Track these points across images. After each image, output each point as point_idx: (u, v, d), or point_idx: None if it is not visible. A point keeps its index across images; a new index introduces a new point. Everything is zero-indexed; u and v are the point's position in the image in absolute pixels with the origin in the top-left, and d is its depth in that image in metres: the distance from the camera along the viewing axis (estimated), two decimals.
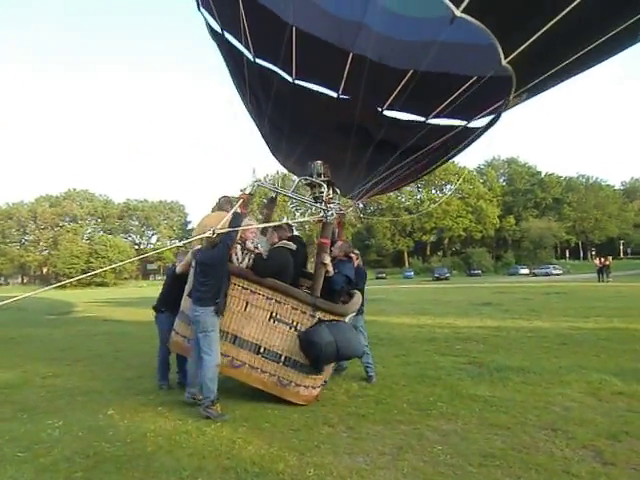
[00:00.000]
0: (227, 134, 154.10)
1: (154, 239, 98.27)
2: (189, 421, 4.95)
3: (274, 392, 5.45)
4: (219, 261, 5.26)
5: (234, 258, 5.58)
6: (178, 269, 6.23)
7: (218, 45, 7.11)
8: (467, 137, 6.61)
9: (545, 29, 4.54)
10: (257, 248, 5.72)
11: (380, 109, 6.21)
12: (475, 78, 5.19)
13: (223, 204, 6.11)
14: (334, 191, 6.19)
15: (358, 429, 4.62)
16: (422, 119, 6.27)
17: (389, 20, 4.95)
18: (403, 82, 5.45)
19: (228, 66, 7.32)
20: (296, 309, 5.48)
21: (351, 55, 5.45)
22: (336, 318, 5.49)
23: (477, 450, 4.04)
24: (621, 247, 78.88)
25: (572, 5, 4.32)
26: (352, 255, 6.64)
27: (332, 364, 5.90)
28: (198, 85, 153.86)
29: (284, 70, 6.28)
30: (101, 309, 20.93)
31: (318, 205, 6.02)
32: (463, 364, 7.35)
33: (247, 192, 5.87)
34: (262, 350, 5.49)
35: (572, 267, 64.04)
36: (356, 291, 6.36)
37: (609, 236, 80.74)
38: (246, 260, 5.63)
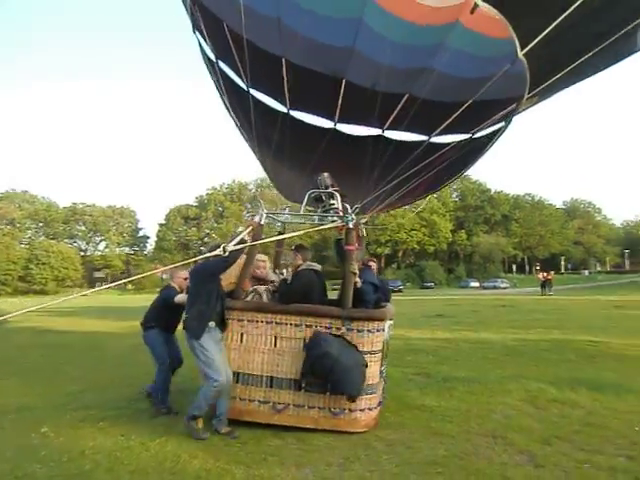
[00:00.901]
0: (181, 139, 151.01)
1: (102, 246, 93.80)
2: (132, 436, 4.76)
3: (328, 426, 4.90)
4: (210, 271, 4.95)
5: (250, 296, 5.35)
6: (178, 299, 5.72)
7: (211, 71, 6.94)
8: (476, 147, 6.55)
9: (558, 22, 4.56)
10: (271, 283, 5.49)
11: (381, 130, 6.21)
12: (489, 77, 5.11)
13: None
14: (345, 202, 5.84)
15: (307, 440, 4.62)
16: (425, 137, 6.23)
17: (384, 46, 4.97)
18: (401, 104, 5.47)
19: (224, 93, 7.11)
20: (330, 328, 4.98)
21: (344, 82, 5.44)
22: (375, 325, 5.02)
23: (422, 458, 4.14)
24: (562, 262, 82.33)
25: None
26: (371, 263, 6.36)
27: (382, 381, 5.37)
28: (153, 86, 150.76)
29: (278, 101, 6.24)
30: (41, 319, 19.99)
31: (333, 214, 5.69)
32: (412, 375, 7.48)
33: (256, 220, 5.43)
34: (304, 384, 4.97)
35: (518, 281, 66.22)
36: (387, 303, 5.91)
37: (552, 252, 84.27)
38: (249, 297, 5.38)
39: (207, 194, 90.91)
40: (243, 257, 5.19)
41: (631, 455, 4.09)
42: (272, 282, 5.66)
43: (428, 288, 64.29)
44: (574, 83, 6.05)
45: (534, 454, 4.17)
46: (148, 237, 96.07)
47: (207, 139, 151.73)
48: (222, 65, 6.48)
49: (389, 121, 5.94)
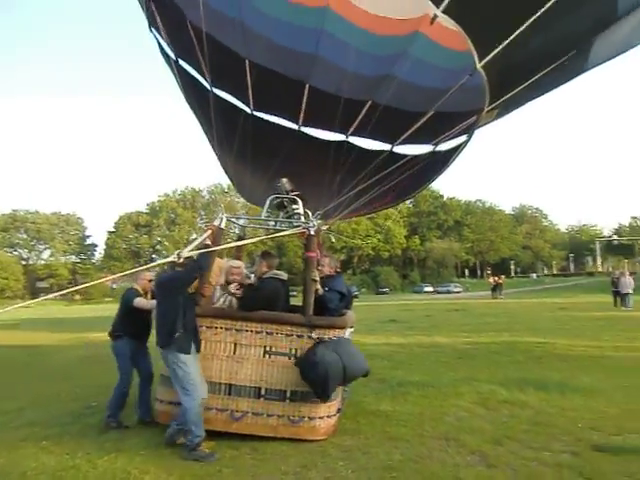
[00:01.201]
0: (130, 143, 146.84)
1: (46, 254, 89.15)
2: (78, 454, 4.49)
3: (287, 434, 4.83)
4: (176, 283, 4.77)
5: (216, 296, 5.23)
6: (136, 303, 5.59)
7: (171, 69, 6.72)
8: (437, 161, 6.57)
9: (517, 34, 4.63)
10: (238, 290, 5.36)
11: (345, 136, 6.20)
12: (446, 90, 5.18)
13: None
14: (307, 208, 5.80)
15: (262, 450, 4.56)
16: (388, 146, 6.25)
17: (348, 53, 4.98)
18: (364, 111, 5.48)
19: (184, 92, 6.94)
20: (291, 335, 4.94)
21: (308, 86, 5.41)
22: (335, 333, 5.00)
23: (378, 464, 4.17)
24: (512, 267, 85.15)
25: (543, 10, 4.47)
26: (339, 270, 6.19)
27: (340, 388, 5.25)
28: (100, 88, 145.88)
29: (242, 102, 6.13)
30: None
31: (296, 219, 5.64)
32: (367, 381, 7.38)
33: (215, 224, 5.32)
34: (263, 392, 4.89)
35: (470, 285, 67.90)
36: (348, 311, 5.82)
37: (502, 256, 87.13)
38: (221, 301, 5.28)
39: (159, 201, 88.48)
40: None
41: (576, 451, 4.26)
42: (250, 284, 5.53)
43: (383, 294, 64.99)
44: (534, 98, 6.19)
45: (486, 454, 4.28)
46: (96, 245, 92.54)
47: (158, 144, 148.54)
48: (183, 63, 6.33)
49: (353, 127, 5.96)
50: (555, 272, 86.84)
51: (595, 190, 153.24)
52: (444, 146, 6.34)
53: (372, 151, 6.36)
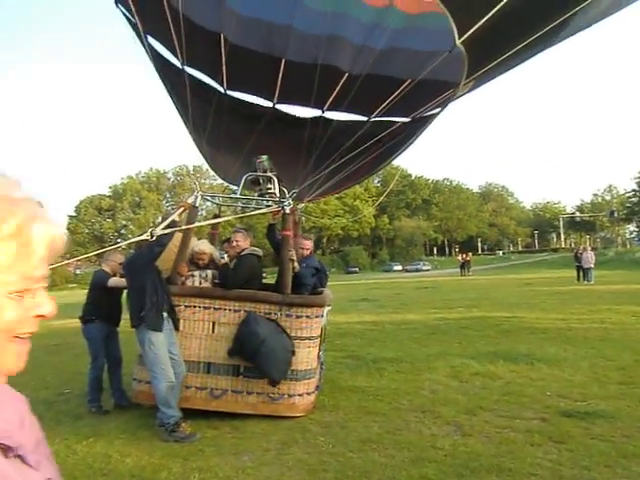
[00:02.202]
0: (91, 123, 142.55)
1: None
2: (56, 440, 4.37)
3: (267, 412, 4.86)
4: (139, 261, 4.79)
5: (189, 281, 5.19)
6: (112, 283, 5.53)
7: (143, 45, 6.39)
8: (412, 132, 6.58)
9: (496, 9, 4.59)
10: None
11: (321, 111, 6.10)
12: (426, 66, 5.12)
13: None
14: (282, 186, 5.75)
15: (243, 428, 4.62)
16: (365, 119, 6.21)
17: (323, 20, 4.91)
18: (341, 83, 5.39)
19: (156, 69, 6.63)
20: (269, 313, 4.94)
21: (284, 61, 5.31)
22: (314, 312, 5.02)
23: (356, 437, 4.29)
24: (479, 244, 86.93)
25: None
26: (307, 242, 6.18)
27: (318, 371, 5.32)
28: (59, 65, 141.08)
29: (215, 80, 5.99)
30: None
31: (272, 198, 5.58)
32: (342, 358, 7.67)
33: (189, 201, 5.22)
34: (242, 369, 4.90)
35: (439, 263, 69.03)
36: (324, 289, 5.86)
37: (469, 234, 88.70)
38: (197, 281, 5.23)
39: (122, 183, 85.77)
40: (178, 239, 5.01)
41: (545, 418, 4.49)
42: (225, 264, 5.49)
43: (353, 273, 65.36)
44: (510, 69, 6.17)
45: (460, 424, 4.45)
46: None
47: (120, 124, 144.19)
48: (152, 41, 6.11)
49: (329, 101, 5.86)
50: (521, 249, 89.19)
51: (558, 168, 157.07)
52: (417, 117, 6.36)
53: (349, 123, 6.30)
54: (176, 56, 5.83)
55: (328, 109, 6.09)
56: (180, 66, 5.94)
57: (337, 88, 5.53)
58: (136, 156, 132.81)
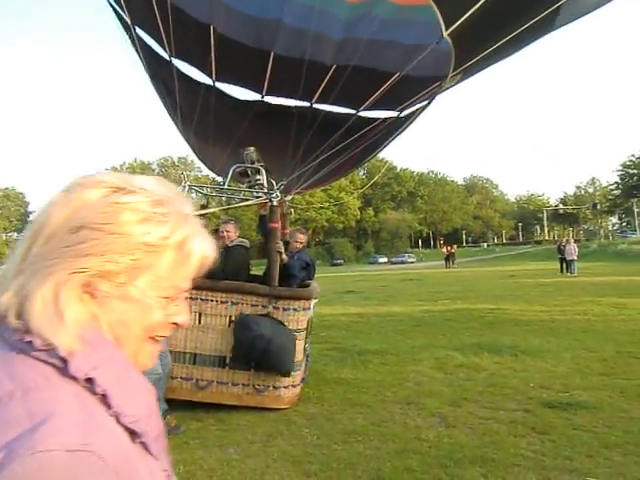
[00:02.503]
0: (75, 113, 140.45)
1: None
2: None
3: (252, 403, 4.89)
4: None
5: None
6: None
7: (129, 37, 6.40)
8: (398, 125, 6.62)
9: (483, 1, 4.64)
10: None
11: (309, 104, 6.10)
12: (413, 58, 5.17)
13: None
14: (271, 178, 5.73)
15: (228, 420, 4.62)
16: (353, 111, 6.20)
17: (311, 15, 4.93)
18: (329, 75, 5.41)
19: (142, 62, 6.61)
20: (256, 306, 4.95)
21: (272, 54, 5.32)
22: (300, 304, 5.04)
23: (341, 429, 4.29)
24: (464, 236, 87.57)
25: None
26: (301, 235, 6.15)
27: (303, 363, 5.37)
28: (40, 51, 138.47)
29: (204, 72, 5.97)
30: None
31: (257, 189, 5.62)
32: (328, 350, 7.69)
33: None
34: (228, 360, 4.94)
35: (424, 255, 69.43)
36: (311, 282, 5.85)
37: (454, 227, 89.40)
38: None
39: None
40: None
41: (528, 409, 4.54)
42: None
43: (338, 265, 65.48)
44: (497, 61, 6.20)
45: (445, 416, 4.48)
46: None
47: (104, 114, 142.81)
48: (140, 32, 6.06)
49: (318, 93, 5.87)
50: (505, 241, 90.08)
51: (542, 161, 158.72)
52: (406, 112, 6.39)
53: (337, 116, 6.30)
54: (164, 48, 5.78)
55: (316, 102, 6.08)
56: (168, 58, 5.89)
57: (325, 80, 5.53)
58: (120, 147, 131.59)
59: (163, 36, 5.50)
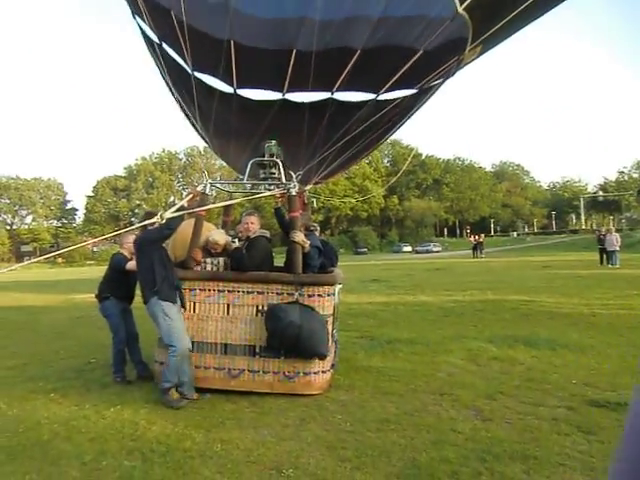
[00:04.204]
0: (107, 107, 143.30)
1: (29, 219, 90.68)
2: (86, 406, 4.74)
3: (283, 390, 4.98)
4: (148, 238, 4.96)
5: (200, 267, 5.34)
6: (129, 267, 5.66)
7: (154, 55, 6.76)
8: (418, 103, 6.65)
9: None
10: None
11: (330, 93, 6.18)
12: (429, 36, 5.24)
13: None
14: (287, 174, 5.84)
15: (261, 404, 4.69)
16: (372, 96, 6.25)
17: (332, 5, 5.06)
18: (352, 61, 5.49)
19: (167, 74, 6.96)
20: (281, 293, 5.05)
21: (294, 52, 5.44)
22: (325, 290, 5.10)
23: (374, 417, 4.29)
24: (492, 225, 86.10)
25: None
26: (312, 228, 6.21)
27: (333, 349, 5.45)
28: (79, 52, 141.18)
29: (224, 82, 6.18)
30: None
31: (271, 181, 5.75)
32: (356, 338, 7.68)
33: (199, 189, 5.40)
34: (258, 349, 5.05)
35: (450, 244, 68.76)
36: (335, 268, 5.96)
37: (481, 215, 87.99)
38: (209, 267, 5.38)
39: (136, 164, 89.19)
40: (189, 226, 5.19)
41: (571, 406, 4.37)
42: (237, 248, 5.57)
43: (362, 254, 65.30)
44: (517, 30, 6.17)
45: (480, 409, 4.41)
46: (77, 209, 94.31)
47: (134, 107, 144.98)
48: (165, 47, 6.36)
49: (338, 82, 5.94)
50: (536, 230, 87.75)
51: (579, 144, 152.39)
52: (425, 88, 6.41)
53: (356, 104, 6.37)
54: (186, 62, 6.09)
55: (337, 90, 6.15)
56: (190, 71, 6.18)
57: (348, 67, 5.61)
58: (149, 137, 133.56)
59: (185, 52, 5.81)
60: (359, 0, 5.19)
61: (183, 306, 5.00)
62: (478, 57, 6.34)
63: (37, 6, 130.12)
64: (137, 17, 6.37)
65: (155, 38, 6.35)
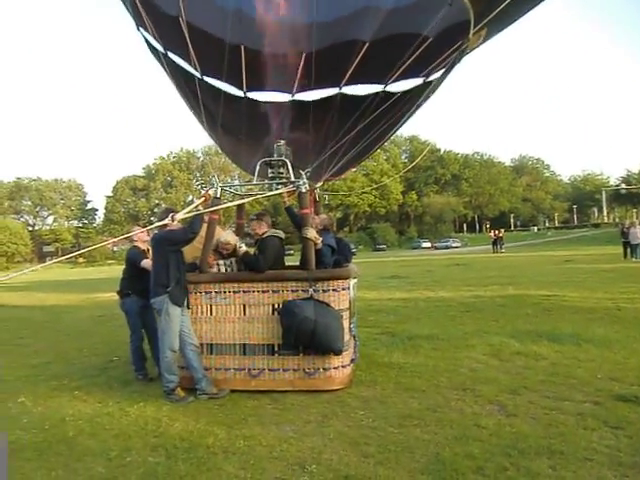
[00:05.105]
0: (124, 108, 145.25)
1: (50, 220, 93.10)
2: (109, 403, 4.83)
3: (304, 387, 4.98)
4: (170, 238, 5.06)
5: (214, 269, 5.42)
6: (145, 265, 5.71)
7: (161, 64, 6.87)
8: (425, 91, 6.65)
9: None
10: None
11: (338, 88, 6.22)
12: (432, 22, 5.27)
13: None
14: (296, 172, 5.86)
15: (282, 400, 4.70)
16: (380, 87, 6.27)
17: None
18: (359, 55, 5.53)
19: (175, 82, 7.09)
20: (296, 291, 5.06)
21: (304, 55, 5.55)
22: (339, 284, 5.10)
23: (396, 412, 4.27)
24: (511, 220, 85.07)
25: None
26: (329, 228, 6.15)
27: (352, 344, 5.45)
28: (96, 53, 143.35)
29: (234, 85, 6.29)
30: None
31: (287, 180, 5.78)
32: (377, 334, 7.65)
33: (210, 193, 5.44)
34: (277, 348, 5.08)
35: (469, 240, 68.22)
36: (349, 263, 5.98)
37: (501, 210, 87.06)
38: (222, 269, 5.45)
39: (155, 164, 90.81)
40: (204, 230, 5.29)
41: (597, 401, 4.29)
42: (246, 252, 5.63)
43: (380, 250, 65.23)
44: (522, 13, 6.14)
45: (504, 404, 4.35)
46: (97, 210, 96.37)
47: (152, 107, 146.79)
48: (172, 55, 6.46)
49: (347, 76, 5.95)
50: (557, 224, 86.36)
51: (601, 136, 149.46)
52: (433, 77, 6.40)
53: (364, 97, 6.39)
54: (194, 68, 6.21)
55: (345, 84, 6.18)
56: (199, 76, 6.31)
57: (356, 60, 5.63)
58: (167, 137, 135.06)
59: (194, 58, 5.93)
60: None
61: (187, 306, 5.10)
62: (484, 42, 6.30)
63: (51, 5, 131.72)
64: (141, 29, 6.48)
65: (160, 48, 6.45)
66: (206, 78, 6.35)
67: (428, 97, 6.82)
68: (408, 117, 7.42)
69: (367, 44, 5.45)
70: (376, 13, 5.26)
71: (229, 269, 5.46)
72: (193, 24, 5.52)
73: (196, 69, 6.22)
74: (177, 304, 4.90)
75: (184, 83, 6.81)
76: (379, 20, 5.28)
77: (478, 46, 6.33)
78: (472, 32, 5.63)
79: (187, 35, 5.56)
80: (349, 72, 5.81)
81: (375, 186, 51.95)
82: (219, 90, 6.44)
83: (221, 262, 5.47)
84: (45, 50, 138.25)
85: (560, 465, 3.18)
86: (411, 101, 6.60)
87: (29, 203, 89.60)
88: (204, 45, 5.72)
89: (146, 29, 6.29)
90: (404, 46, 5.52)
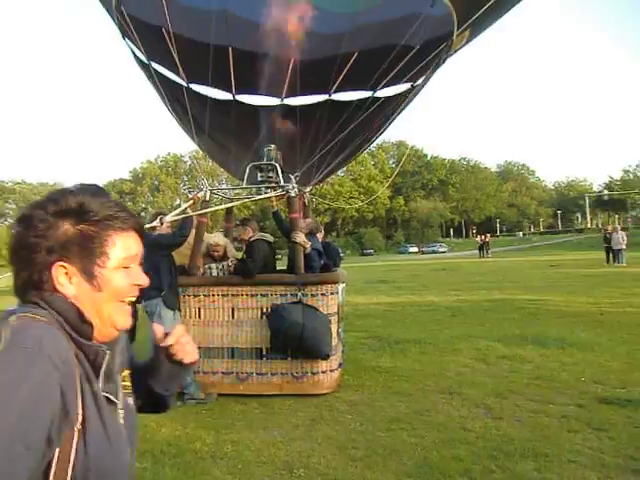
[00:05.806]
0: (111, 111, 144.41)
1: None
2: None
3: (292, 391, 4.99)
4: (159, 243, 4.97)
5: (207, 273, 5.42)
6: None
7: (147, 74, 6.86)
8: (414, 93, 6.79)
9: None
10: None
11: (328, 95, 6.32)
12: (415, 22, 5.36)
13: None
14: (286, 176, 5.88)
15: (270, 405, 4.70)
16: (369, 93, 6.39)
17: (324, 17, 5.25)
18: (349, 64, 5.64)
19: (161, 92, 7.04)
20: (285, 295, 5.06)
21: (293, 60, 5.59)
22: (327, 288, 5.12)
23: (384, 416, 4.29)
24: (497, 225, 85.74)
25: None
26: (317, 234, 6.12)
27: (340, 348, 5.50)
28: (83, 53, 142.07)
29: (222, 89, 6.35)
30: None
31: (269, 184, 5.81)
32: (364, 339, 7.67)
33: (199, 195, 5.41)
34: (265, 352, 5.09)
35: (456, 245, 68.53)
36: (337, 268, 5.97)
37: (487, 215, 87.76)
38: (214, 272, 5.45)
39: (142, 167, 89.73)
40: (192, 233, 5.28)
41: (581, 404, 4.36)
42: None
43: (368, 255, 65.22)
44: (503, 14, 6.30)
45: (490, 407, 4.40)
46: None
47: (139, 111, 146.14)
48: (156, 66, 6.48)
49: (337, 83, 6.05)
50: (542, 230, 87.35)
51: (584, 144, 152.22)
52: (420, 80, 6.55)
53: (353, 102, 6.50)
54: (180, 76, 6.24)
55: (335, 91, 6.30)
56: (185, 84, 6.33)
57: (344, 71, 5.77)
58: (154, 141, 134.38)
59: (179, 67, 5.95)
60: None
61: (178, 308, 5.08)
62: (467, 43, 6.44)
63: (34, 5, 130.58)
64: (127, 39, 6.47)
65: (144, 58, 6.46)
66: (193, 86, 6.38)
67: (412, 100, 6.97)
68: (394, 118, 7.53)
69: (356, 53, 5.56)
70: (369, 27, 5.37)
71: (221, 273, 5.45)
72: (177, 32, 5.52)
73: (182, 78, 6.25)
74: (170, 308, 4.89)
75: (170, 93, 6.83)
76: (372, 34, 5.40)
77: (462, 47, 6.46)
78: (456, 34, 5.74)
79: (171, 44, 5.56)
80: (339, 80, 5.90)
81: (367, 200, 52.12)
82: (206, 97, 6.49)
83: (213, 265, 5.46)
84: (30, 52, 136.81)
85: (545, 467, 3.23)
86: (397, 104, 6.75)
87: (14, 206, 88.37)
88: (190, 52, 5.73)
89: (131, 40, 6.30)
90: (392, 55, 5.61)
